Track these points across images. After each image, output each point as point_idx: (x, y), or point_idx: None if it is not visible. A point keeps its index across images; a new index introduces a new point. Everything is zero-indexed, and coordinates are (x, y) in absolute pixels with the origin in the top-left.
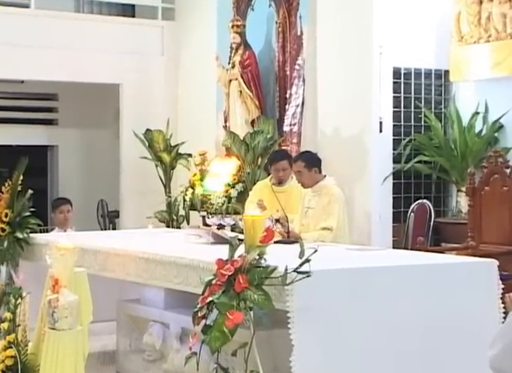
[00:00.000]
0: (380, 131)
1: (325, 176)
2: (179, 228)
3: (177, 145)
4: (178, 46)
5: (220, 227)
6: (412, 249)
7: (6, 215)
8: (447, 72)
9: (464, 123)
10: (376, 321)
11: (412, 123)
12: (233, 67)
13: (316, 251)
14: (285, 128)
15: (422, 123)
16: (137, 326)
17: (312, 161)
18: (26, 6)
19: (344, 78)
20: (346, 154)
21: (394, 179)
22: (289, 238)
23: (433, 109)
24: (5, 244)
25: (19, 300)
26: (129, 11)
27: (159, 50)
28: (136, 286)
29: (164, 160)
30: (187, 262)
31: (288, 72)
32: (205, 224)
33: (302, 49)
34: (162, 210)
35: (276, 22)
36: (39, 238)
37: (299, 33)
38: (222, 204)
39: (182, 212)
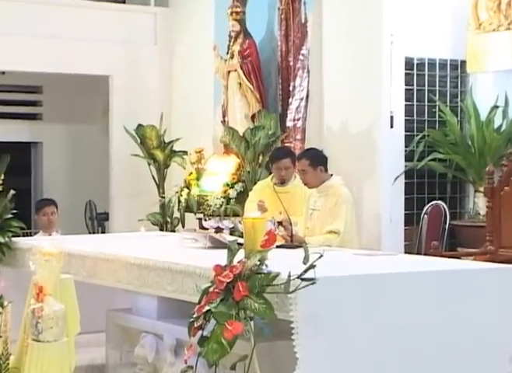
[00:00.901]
0: (391, 127)
1: (332, 175)
2: (173, 231)
3: (172, 142)
4: (172, 34)
5: (218, 230)
6: (425, 254)
7: None
8: (463, 63)
9: (482, 117)
10: (387, 332)
11: (426, 117)
12: (231, 57)
13: (321, 256)
14: (289, 123)
15: (437, 117)
16: (128, 338)
17: (317, 159)
18: None
19: (352, 70)
20: (354, 151)
21: (406, 179)
22: (293, 243)
23: (448, 103)
24: None
25: (0, 309)
26: None
27: (151, 38)
28: (127, 294)
29: (157, 158)
30: (183, 268)
31: (291, 63)
32: (202, 228)
33: (306, 37)
34: (155, 212)
35: (279, 9)
36: (22, 242)
37: (303, 21)
38: (220, 206)
39: (177, 214)
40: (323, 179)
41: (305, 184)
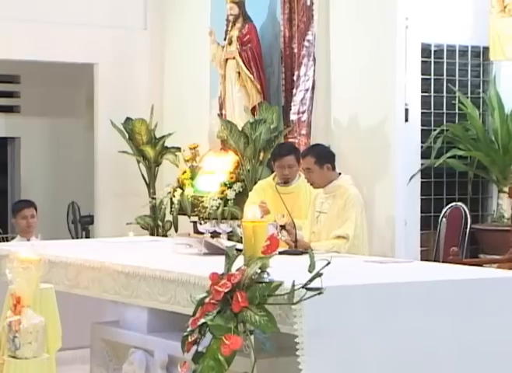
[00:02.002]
0: (406, 120)
1: (340, 173)
2: (165, 236)
3: (163, 137)
4: (164, 18)
5: (215, 235)
6: (444, 262)
7: None
8: (485, 49)
9: (507, 110)
10: (401, 346)
11: (444, 110)
12: (229, 43)
13: (329, 263)
14: (293, 117)
15: (457, 110)
16: (115, 354)
17: (324, 156)
18: None
19: (362, 57)
20: (365, 147)
21: (422, 178)
22: (297, 249)
23: (469, 94)
24: None
25: None
26: None
27: (141, 23)
28: (114, 306)
29: (148, 155)
30: (175, 276)
31: (295, 50)
32: (197, 232)
33: (312, 22)
34: (145, 215)
35: None
36: None
37: (308, 3)
38: (217, 208)
39: (169, 217)
40: (330, 178)
41: (310, 184)
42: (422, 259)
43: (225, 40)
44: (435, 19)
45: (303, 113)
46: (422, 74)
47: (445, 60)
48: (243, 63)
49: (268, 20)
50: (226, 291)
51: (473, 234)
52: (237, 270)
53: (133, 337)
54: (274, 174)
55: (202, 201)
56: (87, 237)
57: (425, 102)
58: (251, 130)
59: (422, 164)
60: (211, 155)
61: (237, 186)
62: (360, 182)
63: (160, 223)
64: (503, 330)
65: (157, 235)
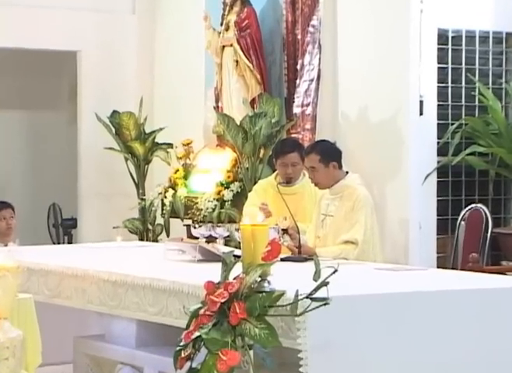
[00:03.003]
0: (421, 114)
1: (347, 172)
2: (156, 241)
3: (154, 132)
4: (154, 1)
5: (210, 240)
6: (462, 269)
7: None
8: (509, 35)
9: None
10: (415, 361)
11: (463, 102)
12: (226, 29)
13: (336, 271)
14: (296, 110)
15: (476, 102)
16: (100, 370)
17: (330, 153)
18: None
19: (373, 44)
20: (375, 144)
21: (438, 177)
22: (301, 255)
23: (490, 85)
24: None
25: None
26: None
27: (129, 6)
28: (99, 318)
29: (136, 152)
30: (167, 285)
31: (299, 36)
32: (191, 236)
33: (317, 5)
34: (133, 218)
35: None
36: None
37: None
38: (213, 210)
39: (160, 220)
40: (337, 177)
41: (315, 184)
42: (438, 267)
43: (221, 25)
44: (453, 2)
45: (307, 105)
46: (439, 63)
47: (464, 47)
48: (242, 50)
49: (268, 3)
50: (223, 301)
51: (495, 238)
52: (235, 279)
53: (120, 352)
54: (275, 173)
55: (197, 203)
56: (70, 242)
57: (441, 94)
58: (250, 124)
59: (438, 162)
60: (206, 152)
61: (235, 186)
62: (370, 181)
63: (150, 227)
64: None
65: (147, 240)
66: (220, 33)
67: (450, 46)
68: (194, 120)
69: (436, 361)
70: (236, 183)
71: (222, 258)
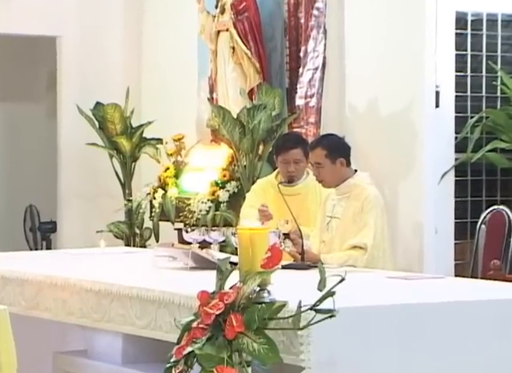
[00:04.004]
0: (437, 106)
1: (356, 170)
2: (144, 246)
3: (141, 126)
4: None
5: (204, 245)
6: (482, 278)
7: None
8: None
9: None
10: None
11: (484, 93)
12: (222, 12)
13: (343, 280)
14: (299, 102)
15: (498, 93)
16: None
17: (337, 148)
18: None
19: (384, 29)
20: (387, 139)
21: (456, 176)
22: (304, 262)
23: None
24: None
25: None
26: None
27: None
28: (81, 332)
29: (122, 148)
30: (156, 296)
31: (302, 20)
32: (182, 241)
33: None
34: (119, 221)
35: None
36: None
37: None
38: (207, 212)
39: (148, 224)
40: (344, 176)
41: (320, 183)
42: (456, 275)
43: (216, 7)
44: None
45: (311, 97)
46: (457, 50)
47: (484, 32)
48: (239, 36)
49: None
50: (218, 313)
51: None
52: (231, 288)
53: (104, 370)
54: (276, 171)
55: (189, 204)
56: (48, 248)
57: (460, 84)
58: (248, 117)
59: (456, 159)
60: (199, 148)
61: (231, 186)
62: (381, 180)
63: (138, 231)
64: None
65: (134, 246)
66: (215, 16)
67: (469, 31)
68: (186, 112)
69: None
70: (233, 183)
71: (218, 265)
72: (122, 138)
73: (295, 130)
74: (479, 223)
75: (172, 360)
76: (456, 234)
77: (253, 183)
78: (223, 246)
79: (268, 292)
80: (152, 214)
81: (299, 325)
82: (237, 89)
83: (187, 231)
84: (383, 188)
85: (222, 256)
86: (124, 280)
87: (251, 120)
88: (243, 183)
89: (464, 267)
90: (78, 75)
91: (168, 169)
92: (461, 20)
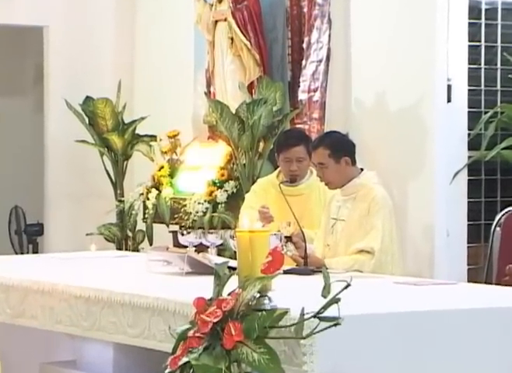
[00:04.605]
0: (449, 101)
1: (362, 169)
2: (137, 250)
3: (134, 122)
4: None
5: (201, 249)
6: (497, 284)
7: None
8: None
9: None
10: None
11: (498, 87)
12: (220, 1)
13: (348, 286)
14: (302, 96)
15: None
16: None
17: (341, 146)
18: None
19: (392, 19)
20: (395, 136)
21: (469, 175)
22: (307, 267)
23: None
24: None
25: None
26: None
27: None
28: (70, 341)
29: (114, 145)
30: (150, 303)
31: (305, 9)
32: (178, 245)
33: None
34: (110, 224)
35: None
36: None
37: None
38: (204, 214)
39: (141, 226)
40: (349, 175)
41: (325, 183)
42: (469, 281)
43: None
44: None
45: (314, 91)
46: (470, 41)
47: (499, 22)
48: (238, 26)
49: None
50: (216, 321)
51: None
52: (230, 295)
53: None
54: (278, 170)
55: (185, 205)
56: (35, 252)
57: (473, 77)
58: (248, 113)
59: (469, 157)
60: (196, 146)
61: (230, 186)
62: (389, 180)
63: (130, 234)
64: None
65: (126, 250)
66: (212, 5)
67: (483, 20)
68: (182, 107)
69: None
70: (232, 182)
71: (215, 270)
72: (113, 135)
73: (297, 126)
74: (494, 225)
75: (166, 371)
76: (469, 237)
77: (253, 183)
78: (221, 250)
79: (269, 299)
80: (146, 215)
81: (302, 334)
82: (236, 83)
83: (182, 234)
84: (391, 188)
85: (220, 260)
86: (116, 286)
87: (251, 115)
88: (243, 183)
89: (478, 272)
90: (66, 68)
91: (162, 167)
92: (474, 9)
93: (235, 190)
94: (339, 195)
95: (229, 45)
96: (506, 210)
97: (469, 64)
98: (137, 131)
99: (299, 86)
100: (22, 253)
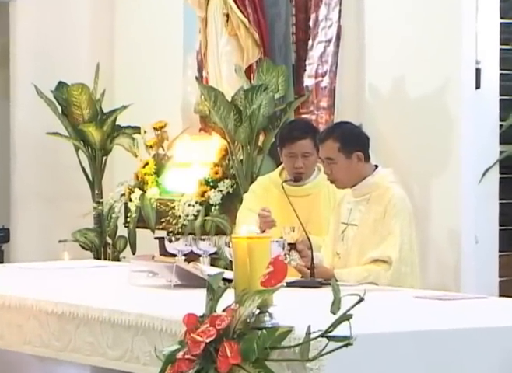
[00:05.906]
0: (477, 87)
1: (376, 167)
2: (117, 260)
3: (115, 112)
4: None
5: (191, 258)
6: None
7: None
8: None
9: None
10: None
11: None
12: None
13: (362, 300)
14: (308, 82)
15: None
16: None
17: (352, 140)
18: None
19: None
20: (415, 128)
21: (501, 173)
22: (314, 278)
23: None
24: None
25: None
26: None
27: None
28: (41, 364)
29: (91, 138)
30: (132, 320)
31: None
32: (165, 253)
33: None
34: (87, 229)
35: None
36: None
37: None
38: (195, 217)
39: (123, 231)
40: (362, 173)
41: (332, 181)
42: (500, 295)
43: None
44: None
45: (322, 75)
46: (501, 18)
47: None
48: (234, 0)
49: None
50: (209, 341)
51: None
52: (225, 311)
53: None
54: (281, 167)
55: (173, 208)
56: (0, 261)
57: (505, 60)
58: (246, 101)
59: (501, 152)
60: (185, 139)
61: (225, 186)
62: (408, 179)
63: (110, 240)
64: None
65: (105, 259)
66: None
67: None
68: (169, 95)
69: None
70: (227, 181)
71: (208, 282)
72: (90, 126)
73: (303, 116)
74: None
75: None
76: (500, 244)
77: (251, 182)
78: (215, 259)
79: (270, 315)
80: (128, 219)
81: (308, 355)
82: (232, 66)
83: (170, 241)
84: (411, 188)
85: (214, 271)
86: (93, 300)
87: (249, 104)
88: (240, 182)
89: (511, 285)
90: (36, 49)
91: (147, 164)
92: None
93: (231, 190)
94: (350, 196)
95: (224, 23)
96: None
97: (501, 44)
98: (118, 122)
99: (304, 70)
100: None
